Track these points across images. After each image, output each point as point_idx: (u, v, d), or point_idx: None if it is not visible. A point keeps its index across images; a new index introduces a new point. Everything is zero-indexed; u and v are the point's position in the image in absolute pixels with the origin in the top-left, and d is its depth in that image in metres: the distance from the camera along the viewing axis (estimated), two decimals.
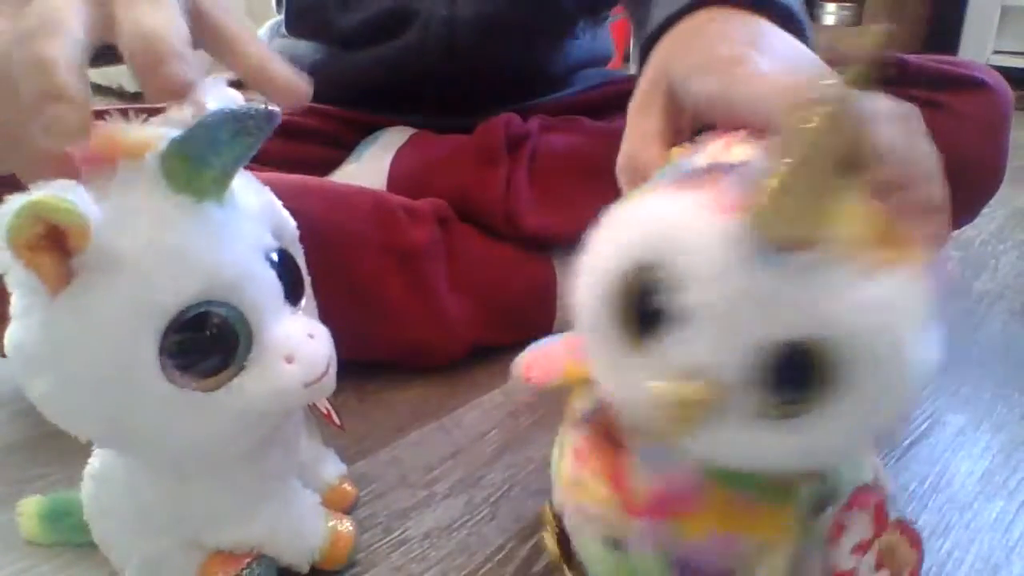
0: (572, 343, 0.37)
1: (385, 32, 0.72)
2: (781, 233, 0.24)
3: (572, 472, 0.36)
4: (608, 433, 0.35)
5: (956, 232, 0.87)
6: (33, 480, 0.49)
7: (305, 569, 0.40)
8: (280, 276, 0.33)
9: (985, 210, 0.70)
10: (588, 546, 0.36)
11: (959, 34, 2.01)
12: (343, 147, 0.74)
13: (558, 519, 0.39)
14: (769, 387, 0.25)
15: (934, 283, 0.27)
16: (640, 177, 0.32)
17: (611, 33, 0.89)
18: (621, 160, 0.36)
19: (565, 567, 0.40)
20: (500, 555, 0.43)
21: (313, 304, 0.37)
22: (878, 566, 0.33)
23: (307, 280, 0.37)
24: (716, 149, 0.30)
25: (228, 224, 0.31)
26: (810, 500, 0.32)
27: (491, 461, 0.51)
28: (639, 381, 0.27)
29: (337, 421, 0.44)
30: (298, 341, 0.33)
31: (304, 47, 0.77)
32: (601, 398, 0.34)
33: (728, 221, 0.25)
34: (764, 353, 0.25)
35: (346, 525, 0.42)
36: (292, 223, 0.37)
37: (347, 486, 0.46)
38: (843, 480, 0.33)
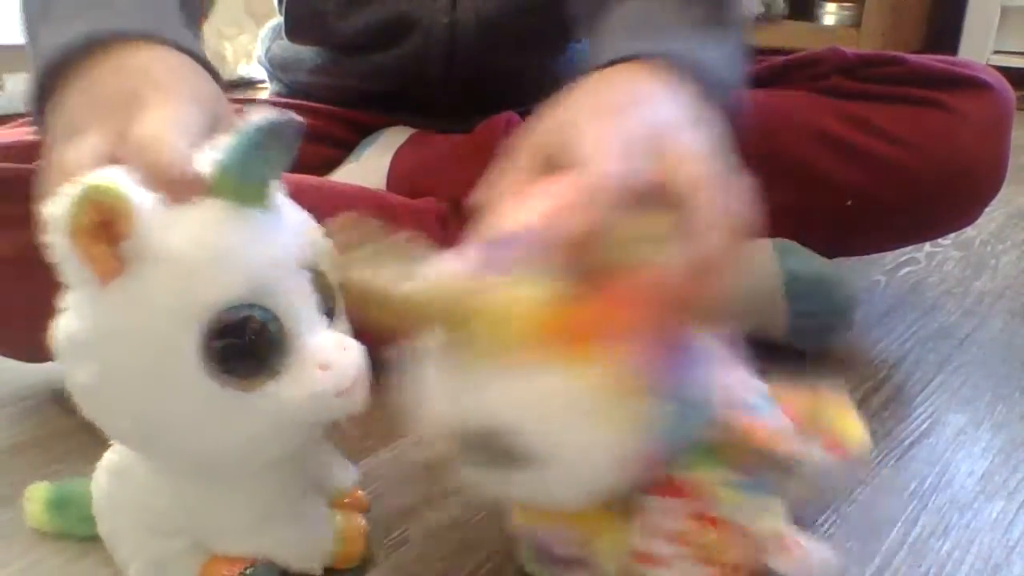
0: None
1: (386, 40, 0.72)
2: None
3: None
4: None
5: (956, 232, 0.87)
6: (38, 479, 0.49)
7: (318, 572, 0.40)
8: (316, 290, 0.34)
9: (985, 210, 0.70)
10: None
11: (959, 34, 2.01)
12: (343, 147, 0.74)
13: None
14: (477, 452, 0.31)
15: (651, 371, 0.29)
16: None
17: None
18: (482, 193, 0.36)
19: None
20: (500, 555, 0.43)
21: (346, 325, 0.37)
22: (693, 561, 0.34)
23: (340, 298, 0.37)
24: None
25: (271, 231, 0.32)
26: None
27: None
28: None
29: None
30: (332, 350, 0.33)
31: (306, 50, 0.77)
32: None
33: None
34: (466, 432, 0.31)
35: (355, 523, 0.42)
36: (327, 243, 0.37)
37: (360, 492, 0.45)
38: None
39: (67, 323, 0.31)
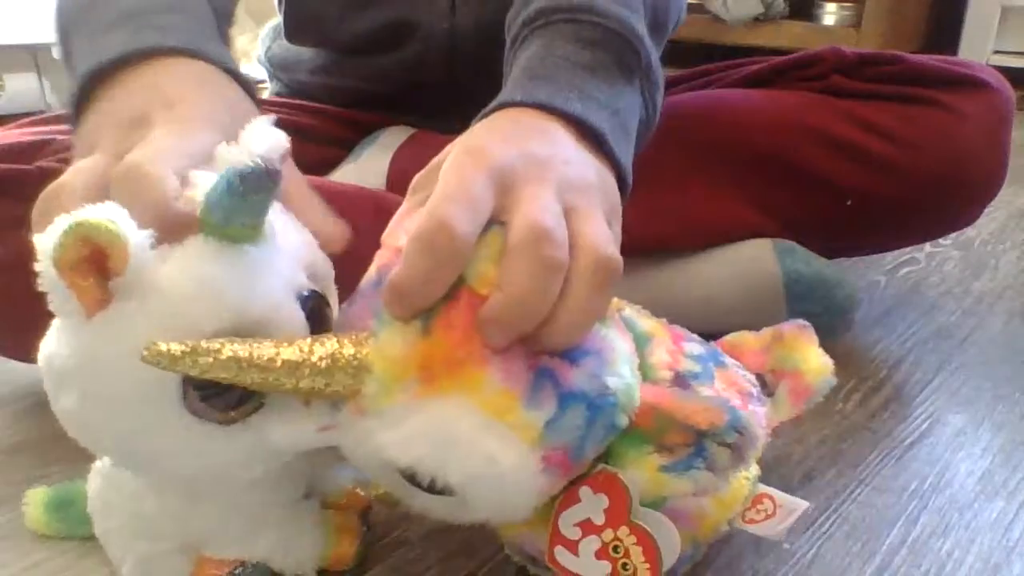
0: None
1: (385, 44, 0.72)
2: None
3: None
4: None
5: (956, 232, 0.87)
6: (36, 480, 0.49)
7: (311, 575, 0.40)
8: (308, 316, 0.33)
9: (985, 210, 0.70)
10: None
11: (959, 34, 2.01)
12: (343, 147, 0.74)
13: None
14: (408, 486, 0.31)
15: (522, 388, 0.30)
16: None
17: None
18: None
19: None
20: (500, 555, 0.43)
21: None
22: (599, 555, 0.34)
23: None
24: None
25: (262, 263, 0.31)
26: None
27: None
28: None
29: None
30: None
31: (306, 50, 0.77)
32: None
33: None
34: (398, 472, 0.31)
35: (350, 524, 0.41)
36: (328, 264, 0.37)
37: (360, 490, 0.44)
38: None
39: (51, 348, 0.31)
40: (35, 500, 0.44)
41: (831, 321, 0.64)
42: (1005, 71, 0.70)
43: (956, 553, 0.44)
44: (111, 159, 0.34)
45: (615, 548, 0.34)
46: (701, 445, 0.32)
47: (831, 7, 1.98)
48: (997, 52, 1.99)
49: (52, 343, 0.31)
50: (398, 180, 0.70)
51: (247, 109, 0.41)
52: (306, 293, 0.33)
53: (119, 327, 0.29)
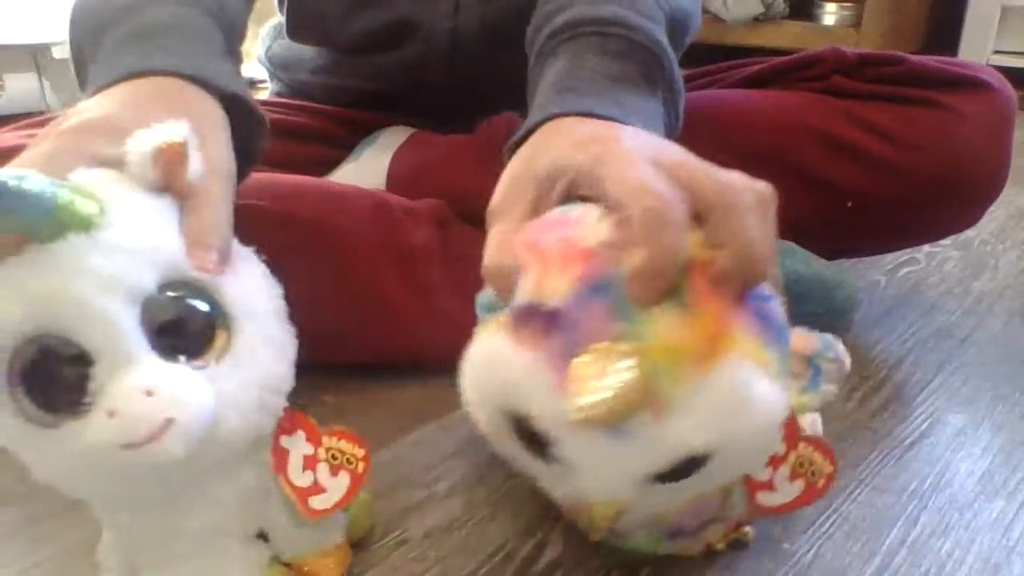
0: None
1: (387, 43, 0.72)
2: (608, 422, 0.29)
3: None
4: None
5: (956, 232, 0.87)
6: (35, 481, 0.49)
7: None
8: (157, 321, 0.31)
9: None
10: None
11: (959, 34, 2.01)
12: (343, 147, 0.74)
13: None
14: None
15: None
16: (507, 283, 0.33)
17: None
18: (487, 267, 0.36)
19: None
20: (500, 555, 0.43)
21: (262, 352, 0.35)
22: (793, 477, 0.39)
23: (255, 318, 0.35)
24: (533, 279, 0.32)
25: (78, 263, 0.30)
26: None
27: (491, 461, 0.51)
28: (552, 486, 0.36)
29: (315, 506, 0.38)
30: (124, 396, 0.30)
31: (307, 49, 0.77)
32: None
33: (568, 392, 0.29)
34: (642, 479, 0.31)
35: None
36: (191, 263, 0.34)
37: (330, 561, 0.41)
38: None
39: None
40: None
41: (831, 321, 0.63)
42: (1005, 71, 0.70)
43: (956, 553, 0.44)
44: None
45: (800, 464, 0.39)
46: (816, 367, 0.36)
47: (831, 7, 1.98)
48: (997, 52, 1.98)
49: None
50: (398, 180, 0.70)
51: (212, 122, 0.40)
52: (160, 296, 0.31)
53: None
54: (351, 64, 0.75)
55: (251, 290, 0.35)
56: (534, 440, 0.32)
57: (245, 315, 0.34)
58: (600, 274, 0.30)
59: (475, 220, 0.68)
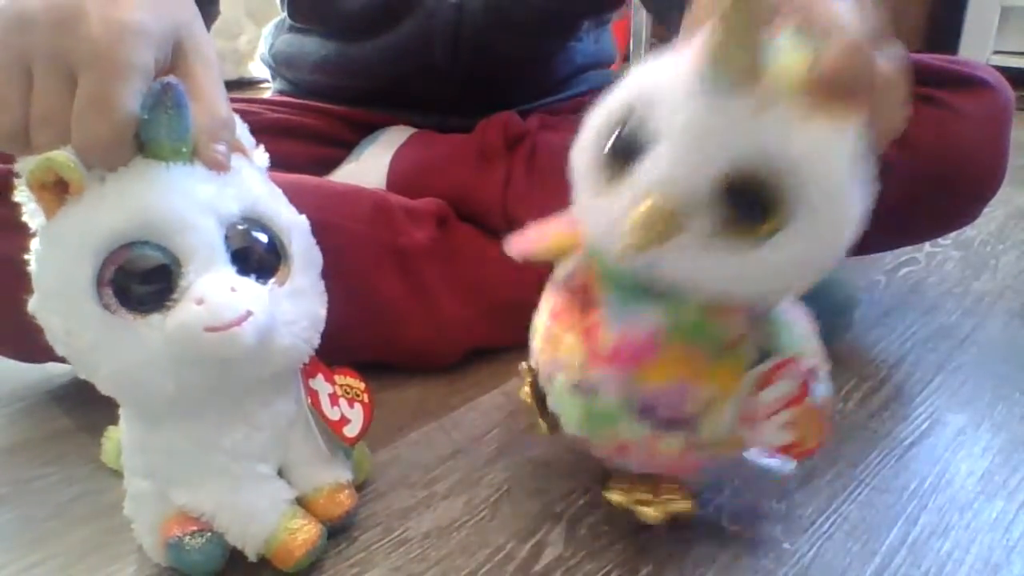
0: (563, 221, 0.41)
1: (390, 18, 0.71)
2: (728, 67, 0.29)
3: (548, 328, 0.41)
4: (583, 294, 0.39)
5: (956, 232, 0.87)
6: (33, 480, 0.49)
7: (252, 557, 0.40)
8: (238, 247, 0.37)
9: (985, 210, 0.70)
10: (559, 393, 0.41)
11: (959, 34, 2.01)
12: (343, 146, 0.74)
13: (534, 372, 0.44)
14: (725, 209, 0.31)
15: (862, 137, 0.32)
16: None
17: (613, 36, 0.89)
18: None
19: (539, 415, 0.46)
20: (500, 555, 0.43)
21: (310, 295, 0.41)
22: (787, 427, 0.37)
23: (305, 270, 0.41)
24: None
25: (177, 182, 0.36)
26: (750, 357, 0.37)
27: (491, 461, 0.51)
28: (613, 209, 0.33)
29: (349, 434, 0.44)
30: (211, 287, 0.35)
31: (309, 43, 0.77)
32: (579, 263, 0.40)
33: (691, 67, 0.30)
34: (719, 177, 0.30)
35: (310, 531, 0.41)
36: (292, 220, 0.41)
37: (342, 495, 0.44)
38: (783, 345, 0.38)
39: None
40: (113, 436, 0.48)
41: (831, 321, 0.63)
42: (1005, 71, 0.70)
43: (956, 553, 0.44)
44: (63, 84, 0.35)
45: (797, 421, 0.37)
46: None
47: None
48: (997, 52, 1.99)
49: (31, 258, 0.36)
50: (398, 180, 0.70)
51: (191, 11, 0.41)
52: (240, 225, 0.38)
53: (55, 229, 0.35)
54: (354, 50, 0.74)
55: (305, 244, 0.42)
56: (623, 152, 0.33)
57: (301, 258, 0.41)
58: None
59: (475, 220, 0.68)
